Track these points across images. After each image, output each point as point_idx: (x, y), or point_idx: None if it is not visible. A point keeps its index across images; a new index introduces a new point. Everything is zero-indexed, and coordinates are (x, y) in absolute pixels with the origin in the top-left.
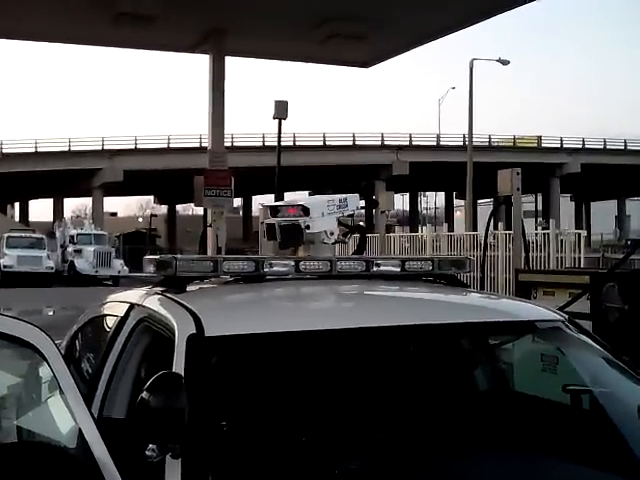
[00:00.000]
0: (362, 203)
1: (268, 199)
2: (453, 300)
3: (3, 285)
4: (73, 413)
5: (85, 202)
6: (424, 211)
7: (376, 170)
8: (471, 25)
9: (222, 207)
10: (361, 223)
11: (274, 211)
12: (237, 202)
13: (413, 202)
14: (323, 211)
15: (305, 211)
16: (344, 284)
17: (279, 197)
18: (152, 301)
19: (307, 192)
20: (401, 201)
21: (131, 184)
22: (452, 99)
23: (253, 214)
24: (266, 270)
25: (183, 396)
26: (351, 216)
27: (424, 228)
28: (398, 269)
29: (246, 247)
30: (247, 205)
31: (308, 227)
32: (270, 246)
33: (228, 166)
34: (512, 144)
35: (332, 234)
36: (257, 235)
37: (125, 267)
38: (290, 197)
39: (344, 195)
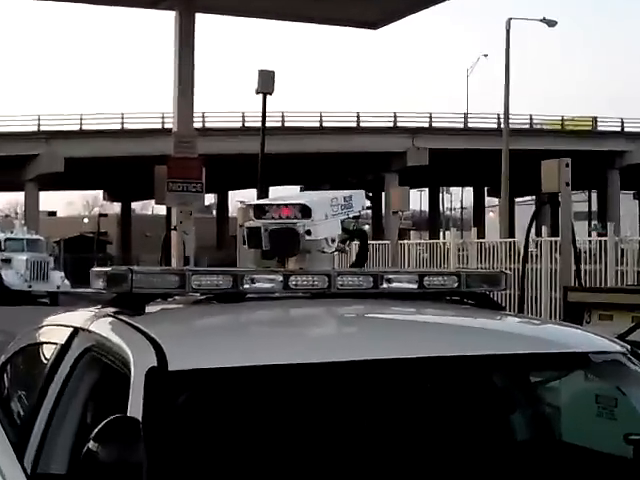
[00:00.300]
0: (368, 203)
1: (248, 195)
2: (484, 326)
3: None
4: (0, 467)
5: (16, 198)
6: (447, 212)
7: (387, 159)
8: None
9: (190, 205)
10: (366, 227)
11: (260, 211)
12: (209, 199)
13: (433, 200)
14: (327, 212)
15: (305, 212)
16: (346, 305)
17: (263, 193)
18: (101, 325)
19: (298, 187)
20: (418, 199)
21: (74, 175)
22: (484, 70)
23: (230, 214)
24: (246, 287)
25: (140, 447)
26: (356, 218)
27: (447, 233)
28: (414, 286)
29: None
30: (222, 203)
31: (309, 232)
32: (251, 255)
33: (198, 153)
34: (560, 127)
35: (333, 241)
36: (234, 241)
37: (66, 281)
38: (277, 193)
39: (348, 192)
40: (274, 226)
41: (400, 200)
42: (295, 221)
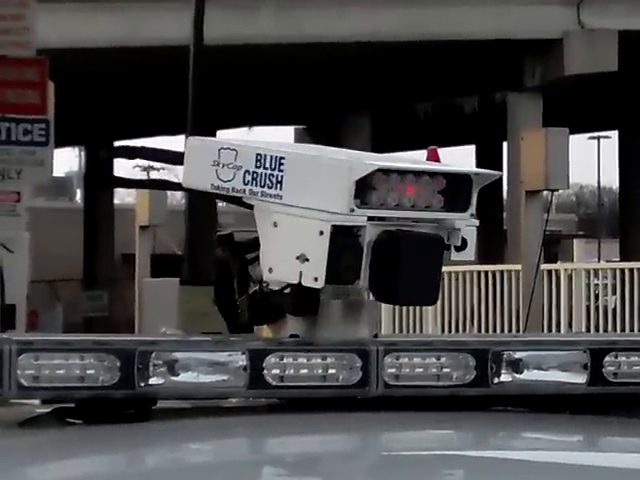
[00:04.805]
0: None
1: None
2: None
3: None
4: None
5: None
6: None
7: (515, 61)
8: None
9: (19, 178)
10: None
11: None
12: (66, 164)
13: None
14: None
15: (458, 194)
16: (417, 438)
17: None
18: None
19: (291, 127)
20: (591, 156)
21: None
22: None
23: (120, 200)
24: (155, 382)
25: None
26: None
27: None
28: (581, 377)
29: None
30: (96, 172)
31: (463, 245)
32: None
33: (35, 46)
34: None
35: None
36: (131, 266)
37: None
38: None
39: None
40: (402, 228)
41: (546, 163)
42: (443, 216)
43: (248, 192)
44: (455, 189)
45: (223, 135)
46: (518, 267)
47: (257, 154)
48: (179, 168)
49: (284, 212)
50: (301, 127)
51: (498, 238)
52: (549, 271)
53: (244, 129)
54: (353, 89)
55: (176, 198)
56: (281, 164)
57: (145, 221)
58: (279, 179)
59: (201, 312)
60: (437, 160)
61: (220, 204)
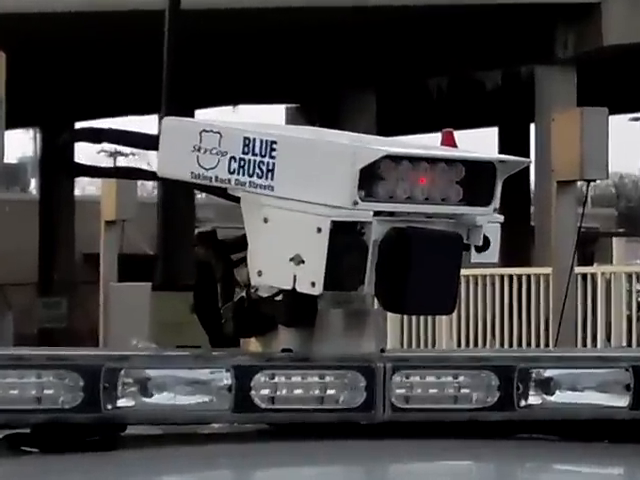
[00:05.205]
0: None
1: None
2: None
3: None
4: None
5: None
6: None
7: (544, 29)
8: None
9: None
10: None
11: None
12: (19, 147)
13: None
14: None
15: (477, 186)
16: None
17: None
18: None
19: (282, 106)
20: (633, 140)
21: None
22: None
23: (81, 191)
24: (124, 404)
25: None
26: None
27: None
28: (622, 400)
29: None
30: (51, 157)
31: (486, 244)
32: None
33: None
34: None
35: None
36: (94, 269)
37: None
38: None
39: None
40: (413, 224)
41: (581, 149)
42: (462, 211)
43: (234, 182)
44: (476, 179)
45: (203, 115)
46: (548, 270)
47: (245, 138)
48: (152, 154)
49: (276, 206)
50: (294, 106)
51: (525, 236)
52: (584, 275)
53: (228, 108)
54: (355, 61)
55: (147, 189)
56: (272, 149)
57: (111, 215)
58: (270, 167)
59: (177, 322)
60: (453, 145)
61: (199, 195)
